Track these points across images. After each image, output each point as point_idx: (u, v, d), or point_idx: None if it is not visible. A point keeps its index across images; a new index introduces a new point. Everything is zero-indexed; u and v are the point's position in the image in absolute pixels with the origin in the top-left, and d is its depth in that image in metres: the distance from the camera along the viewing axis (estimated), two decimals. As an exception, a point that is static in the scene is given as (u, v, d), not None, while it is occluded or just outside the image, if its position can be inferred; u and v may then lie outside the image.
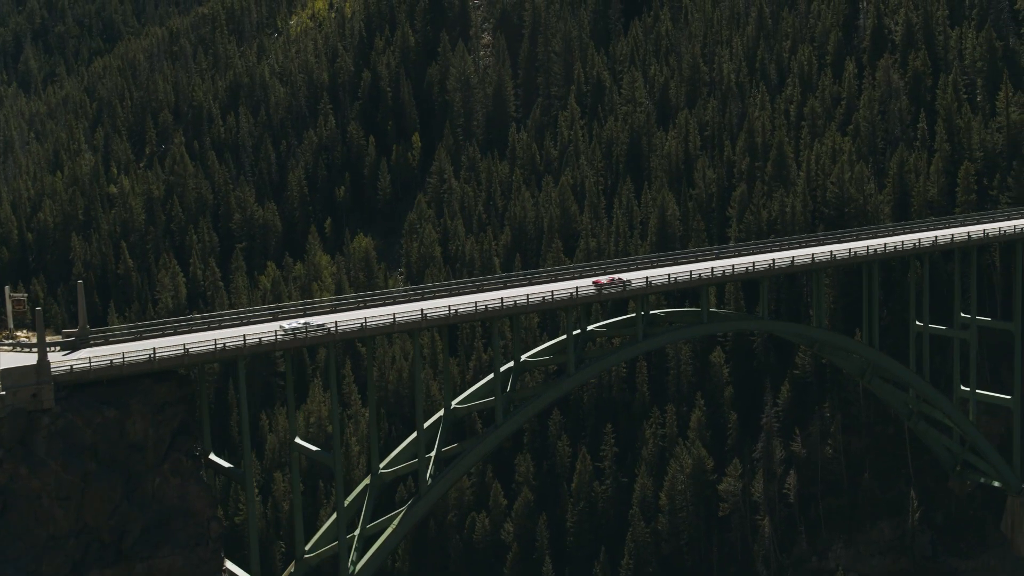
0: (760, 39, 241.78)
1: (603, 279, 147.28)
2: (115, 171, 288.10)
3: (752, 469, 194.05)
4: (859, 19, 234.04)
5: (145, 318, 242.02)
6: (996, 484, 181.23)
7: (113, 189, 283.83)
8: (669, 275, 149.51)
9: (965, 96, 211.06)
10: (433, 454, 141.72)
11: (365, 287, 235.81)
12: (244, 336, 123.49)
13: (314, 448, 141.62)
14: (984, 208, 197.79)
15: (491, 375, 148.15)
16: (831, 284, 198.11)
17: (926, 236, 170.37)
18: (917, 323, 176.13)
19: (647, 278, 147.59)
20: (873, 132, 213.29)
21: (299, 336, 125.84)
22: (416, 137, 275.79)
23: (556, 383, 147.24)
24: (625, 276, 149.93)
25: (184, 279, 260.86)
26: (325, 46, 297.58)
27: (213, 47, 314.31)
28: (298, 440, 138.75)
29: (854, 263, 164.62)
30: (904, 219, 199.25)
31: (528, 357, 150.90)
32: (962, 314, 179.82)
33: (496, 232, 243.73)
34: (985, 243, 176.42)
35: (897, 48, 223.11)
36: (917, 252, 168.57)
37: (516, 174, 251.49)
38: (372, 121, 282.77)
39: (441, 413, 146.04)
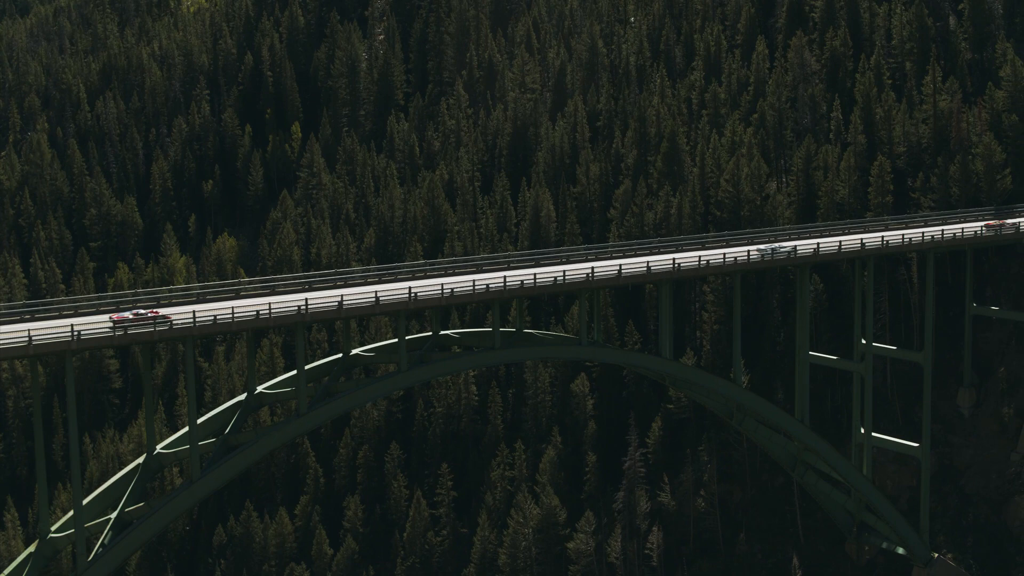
0: (667, 17, 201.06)
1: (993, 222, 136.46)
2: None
3: (610, 523, 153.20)
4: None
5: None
6: (901, 551, 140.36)
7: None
8: (444, 287, 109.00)
9: (889, 82, 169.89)
10: (114, 516, 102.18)
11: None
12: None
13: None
14: (905, 212, 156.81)
15: (227, 405, 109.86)
16: (714, 302, 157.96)
17: (806, 244, 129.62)
18: (812, 352, 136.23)
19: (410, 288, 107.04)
20: (780, 122, 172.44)
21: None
22: (296, 127, 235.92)
23: (281, 426, 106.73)
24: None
25: (26, 279, 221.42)
26: (210, 27, 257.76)
27: (92, 27, 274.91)
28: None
29: (704, 274, 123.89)
30: (809, 223, 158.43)
31: (265, 389, 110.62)
32: (865, 341, 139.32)
33: (362, 233, 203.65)
34: (884, 254, 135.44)
35: (816, 26, 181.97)
36: (790, 263, 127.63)
37: (391, 168, 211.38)
38: (252, 109, 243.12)
39: (141, 460, 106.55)
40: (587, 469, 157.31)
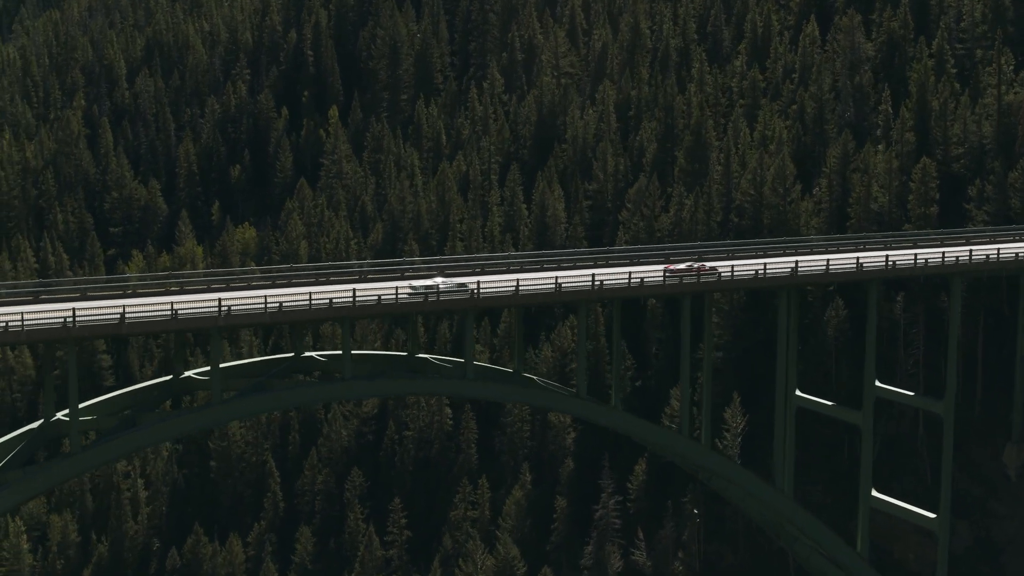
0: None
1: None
2: (8, 136, 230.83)
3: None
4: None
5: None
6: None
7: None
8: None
9: (953, 71, 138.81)
10: None
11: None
12: None
13: None
14: (961, 226, 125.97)
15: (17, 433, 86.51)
16: (719, 324, 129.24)
17: (784, 262, 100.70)
18: (799, 393, 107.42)
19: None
20: (821, 115, 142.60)
21: None
22: (334, 111, 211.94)
23: (43, 469, 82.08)
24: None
25: (36, 264, 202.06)
26: (261, 2, 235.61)
27: (146, 1, 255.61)
28: None
29: (639, 295, 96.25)
30: (841, 233, 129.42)
31: (63, 416, 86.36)
32: (879, 383, 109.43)
33: (372, 226, 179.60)
34: (887, 278, 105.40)
35: (875, 4, 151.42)
36: (757, 284, 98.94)
37: (413, 157, 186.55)
38: (292, 90, 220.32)
39: None
40: (556, 516, 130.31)
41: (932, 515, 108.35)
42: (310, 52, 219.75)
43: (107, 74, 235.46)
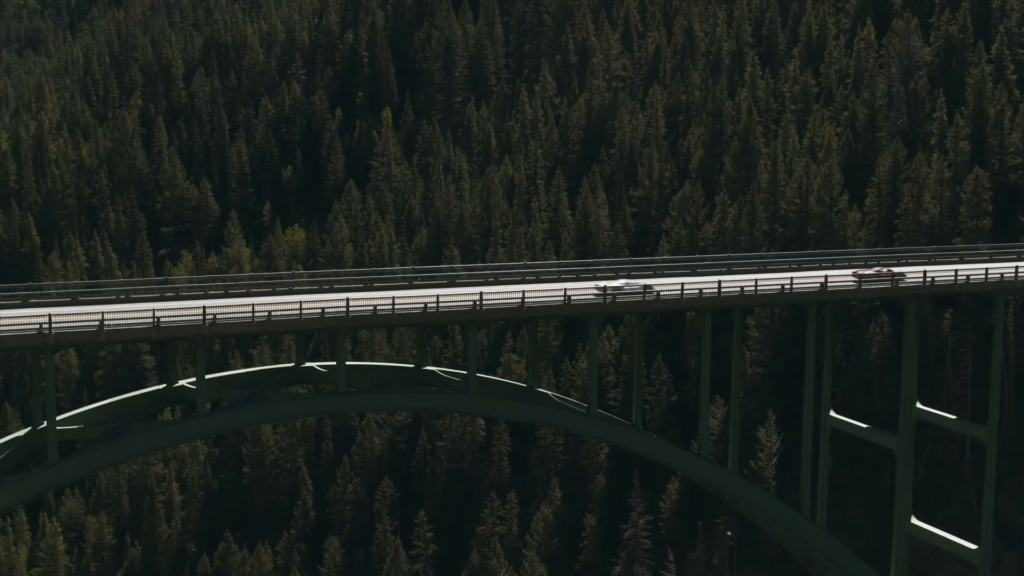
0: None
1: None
2: (66, 134, 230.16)
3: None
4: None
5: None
6: None
7: (54, 153, 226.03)
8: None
9: (1014, 77, 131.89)
10: None
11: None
12: None
13: None
14: (1011, 239, 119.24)
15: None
16: (759, 339, 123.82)
17: (808, 277, 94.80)
18: (833, 414, 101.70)
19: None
20: (873, 122, 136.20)
21: None
22: (387, 112, 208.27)
23: (21, 479, 78.54)
24: None
25: (87, 264, 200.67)
26: (319, 2, 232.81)
27: (206, 1, 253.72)
28: None
29: (652, 310, 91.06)
30: (890, 246, 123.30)
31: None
32: (920, 405, 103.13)
33: (416, 230, 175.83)
34: (925, 295, 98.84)
35: (935, 7, 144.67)
36: (783, 300, 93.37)
37: (461, 160, 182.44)
38: (347, 91, 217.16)
39: None
40: (585, 534, 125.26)
41: (973, 546, 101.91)
42: (365, 53, 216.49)
43: (164, 73, 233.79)
